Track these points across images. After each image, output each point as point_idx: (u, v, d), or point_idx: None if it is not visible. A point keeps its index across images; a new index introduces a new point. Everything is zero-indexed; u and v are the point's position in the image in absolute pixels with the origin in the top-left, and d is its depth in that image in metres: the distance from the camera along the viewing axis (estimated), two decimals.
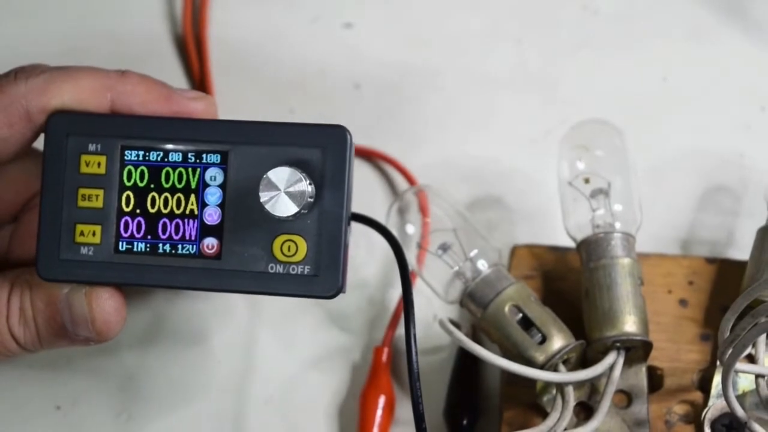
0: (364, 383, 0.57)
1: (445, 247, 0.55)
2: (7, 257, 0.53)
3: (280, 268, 0.46)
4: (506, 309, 0.53)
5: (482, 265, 0.54)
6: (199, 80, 0.66)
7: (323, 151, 0.46)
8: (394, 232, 0.52)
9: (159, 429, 0.57)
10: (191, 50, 0.67)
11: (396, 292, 0.60)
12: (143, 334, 0.59)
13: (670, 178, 0.63)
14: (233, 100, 0.64)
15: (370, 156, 0.63)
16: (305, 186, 0.45)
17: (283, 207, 0.44)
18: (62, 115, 0.47)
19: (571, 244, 0.56)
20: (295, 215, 0.45)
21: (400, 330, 0.58)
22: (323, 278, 0.46)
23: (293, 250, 0.46)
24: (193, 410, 0.58)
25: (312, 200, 0.45)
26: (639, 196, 0.56)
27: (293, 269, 0.46)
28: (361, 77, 0.66)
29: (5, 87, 0.47)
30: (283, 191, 0.45)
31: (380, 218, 0.55)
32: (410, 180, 0.62)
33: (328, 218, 0.46)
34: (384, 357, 0.57)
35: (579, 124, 0.58)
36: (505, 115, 0.65)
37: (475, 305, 0.54)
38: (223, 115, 0.51)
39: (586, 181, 0.56)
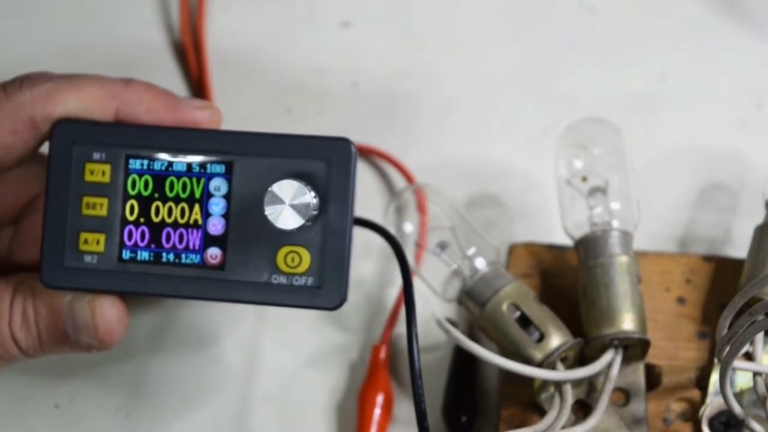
0: (363, 381, 0.57)
1: (443, 246, 0.55)
2: (9, 259, 0.53)
3: (283, 280, 0.46)
4: (504, 307, 0.53)
5: (480, 263, 0.54)
6: (197, 80, 0.66)
7: (328, 163, 0.46)
8: (392, 230, 0.52)
9: (157, 427, 0.57)
10: (189, 50, 0.66)
11: (394, 290, 0.60)
12: (140, 333, 0.59)
13: (668, 175, 0.63)
14: (230, 100, 0.64)
15: (368, 154, 0.63)
16: (310, 199, 0.45)
17: (287, 219, 0.44)
18: (67, 123, 0.47)
19: (569, 243, 0.56)
20: (299, 227, 0.45)
21: (398, 328, 0.58)
22: (326, 290, 0.46)
23: (297, 261, 0.46)
24: (191, 407, 0.58)
25: (316, 213, 0.45)
26: (636, 194, 0.56)
27: (296, 281, 0.46)
28: (359, 76, 0.66)
29: (10, 95, 0.47)
30: (288, 204, 0.44)
31: (378, 216, 0.55)
32: (408, 178, 0.62)
33: (332, 230, 0.46)
34: (382, 355, 0.57)
35: (576, 122, 0.58)
36: (502, 114, 0.65)
37: (473, 303, 0.54)
38: (222, 113, 0.50)
39: (584, 179, 0.56)
